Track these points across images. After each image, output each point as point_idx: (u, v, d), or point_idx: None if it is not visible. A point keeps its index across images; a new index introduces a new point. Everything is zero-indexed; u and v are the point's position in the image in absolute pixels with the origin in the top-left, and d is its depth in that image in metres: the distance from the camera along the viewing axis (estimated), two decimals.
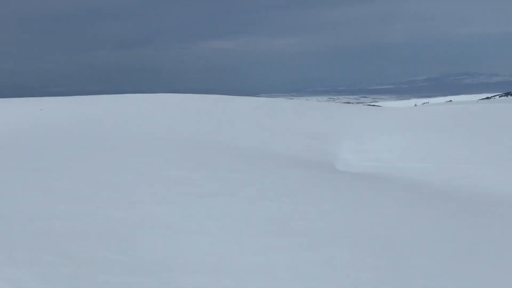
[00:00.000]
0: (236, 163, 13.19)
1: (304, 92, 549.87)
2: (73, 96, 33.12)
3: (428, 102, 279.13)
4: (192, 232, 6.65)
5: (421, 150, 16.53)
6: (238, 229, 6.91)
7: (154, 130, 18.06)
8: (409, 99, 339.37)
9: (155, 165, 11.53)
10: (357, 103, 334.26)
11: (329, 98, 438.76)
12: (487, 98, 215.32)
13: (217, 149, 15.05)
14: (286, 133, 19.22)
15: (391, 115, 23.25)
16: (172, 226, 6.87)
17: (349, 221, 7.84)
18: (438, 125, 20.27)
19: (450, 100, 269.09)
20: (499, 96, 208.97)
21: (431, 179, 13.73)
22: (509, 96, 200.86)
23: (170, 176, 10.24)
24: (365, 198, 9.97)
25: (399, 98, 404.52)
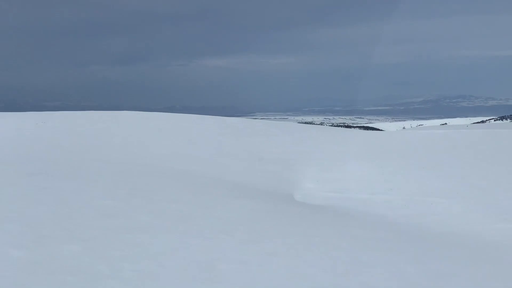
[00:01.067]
0: (179, 191, 11.65)
1: (300, 111, 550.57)
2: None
3: (422, 125, 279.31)
4: (101, 278, 5.48)
5: (391, 181, 14.96)
6: (156, 274, 5.74)
7: (99, 151, 16.47)
8: (404, 120, 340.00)
9: (82, 194, 9.93)
10: (352, 123, 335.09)
11: (325, 118, 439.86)
12: (482, 121, 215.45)
13: (159, 175, 13.44)
14: (247, 158, 17.61)
15: (366, 140, 21.67)
16: (77, 270, 5.60)
17: (291, 265, 6.46)
18: (413, 153, 18.71)
19: (445, 123, 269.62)
20: (494, 120, 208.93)
21: (396, 214, 12.22)
22: (503, 120, 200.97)
23: (96, 207, 8.67)
24: (316, 236, 8.56)
25: (394, 119, 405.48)
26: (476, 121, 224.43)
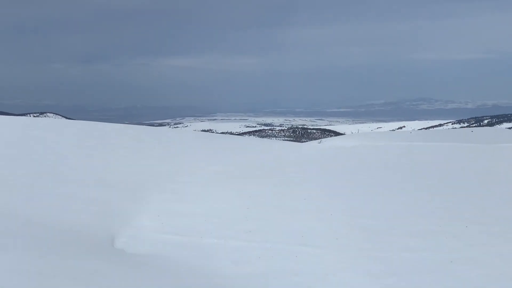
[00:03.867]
0: None
1: (261, 112, 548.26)
2: None
3: (381, 127, 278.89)
4: None
5: (258, 218, 10.75)
6: None
7: None
8: (365, 122, 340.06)
9: None
10: (312, 125, 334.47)
11: (285, 120, 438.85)
12: (440, 125, 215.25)
13: None
14: (75, 180, 13.09)
15: (264, 157, 17.21)
16: None
17: None
18: (306, 179, 14.43)
19: (404, 126, 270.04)
20: (452, 124, 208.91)
21: (243, 271, 8.11)
22: (460, 123, 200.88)
23: None
24: None
25: (355, 121, 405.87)
26: (434, 125, 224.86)
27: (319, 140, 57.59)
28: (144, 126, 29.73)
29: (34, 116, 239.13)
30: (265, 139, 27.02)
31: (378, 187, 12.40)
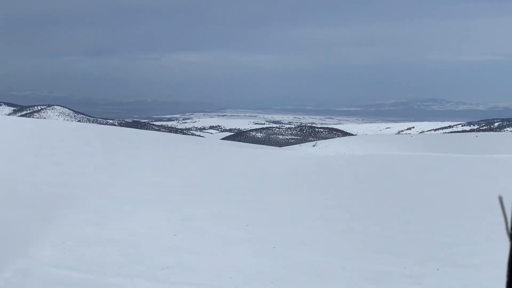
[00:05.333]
0: None
1: (271, 110, 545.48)
2: None
3: (390, 127, 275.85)
4: None
5: (178, 249, 8.85)
6: None
7: None
8: (374, 122, 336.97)
9: None
10: (321, 124, 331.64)
11: (295, 117, 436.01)
12: (449, 126, 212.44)
13: None
14: None
15: (203, 166, 15.04)
16: None
17: None
18: (243, 197, 12.54)
19: (413, 127, 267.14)
20: (462, 126, 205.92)
21: None
22: (470, 125, 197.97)
23: None
24: None
25: (365, 121, 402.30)
26: (443, 126, 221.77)
27: (314, 142, 55.73)
28: (106, 126, 27.63)
29: (41, 108, 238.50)
30: (237, 145, 24.98)
31: (337, 212, 10.46)
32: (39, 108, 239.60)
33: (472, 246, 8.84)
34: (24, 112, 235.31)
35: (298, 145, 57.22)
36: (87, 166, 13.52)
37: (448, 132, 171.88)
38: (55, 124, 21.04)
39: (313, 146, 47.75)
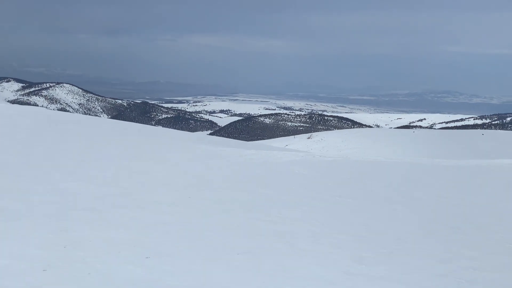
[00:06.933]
0: None
1: (283, 95, 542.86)
2: None
3: (401, 118, 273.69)
4: None
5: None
6: None
7: None
8: (386, 112, 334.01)
9: None
10: (333, 112, 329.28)
11: (306, 104, 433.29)
12: (461, 119, 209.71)
13: None
14: None
15: (131, 168, 12.99)
16: None
17: None
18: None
19: (424, 118, 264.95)
20: (474, 119, 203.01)
21: None
22: (482, 119, 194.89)
23: None
24: None
25: (377, 110, 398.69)
26: (455, 119, 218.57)
27: (310, 134, 53.90)
28: (52, 110, 25.60)
29: (50, 86, 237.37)
30: (204, 140, 22.96)
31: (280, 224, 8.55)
32: (47, 85, 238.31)
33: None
34: (33, 89, 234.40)
35: (293, 136, 55.48)
36: None
37: (458, 126, 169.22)
38: None
39: (308, 138, 46.06)
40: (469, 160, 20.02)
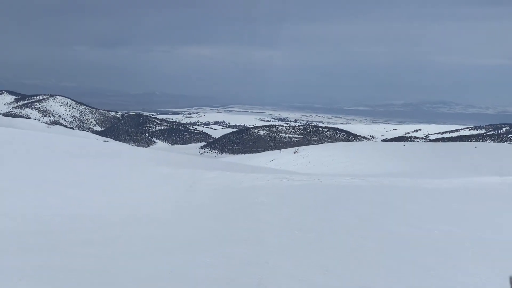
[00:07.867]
0: None
1: (279, 106, 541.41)
2: None
3: (396, 129, 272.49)
4: None
5: None
6: None
7: None
8: (381, 123, 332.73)
9: None
10: (328, 123, 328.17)
11: (302, 115, 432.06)
12: (457, 130, 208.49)
13: None
14: None
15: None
16: None
17: None
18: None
19: (420, 129, 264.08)
20: (469, 129, 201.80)
21: None
22: (478, 130, 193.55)
23: None
24: None
25: (372, 121, 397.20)
26: (450, 129, 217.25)
27: (296, 148, 52.53)
28: (10, 129, 24.09)
29: (43, 98, 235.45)
30: (169, 160, 21.56)
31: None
32: (41, 98, 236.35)
33: None
34: (25, 102, 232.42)
35: (279, 150, 54.01)
36: None
37: (454, 137, 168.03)
38: None
39: (295, 152, 44.69)
40: (454, 178, 18.65)
